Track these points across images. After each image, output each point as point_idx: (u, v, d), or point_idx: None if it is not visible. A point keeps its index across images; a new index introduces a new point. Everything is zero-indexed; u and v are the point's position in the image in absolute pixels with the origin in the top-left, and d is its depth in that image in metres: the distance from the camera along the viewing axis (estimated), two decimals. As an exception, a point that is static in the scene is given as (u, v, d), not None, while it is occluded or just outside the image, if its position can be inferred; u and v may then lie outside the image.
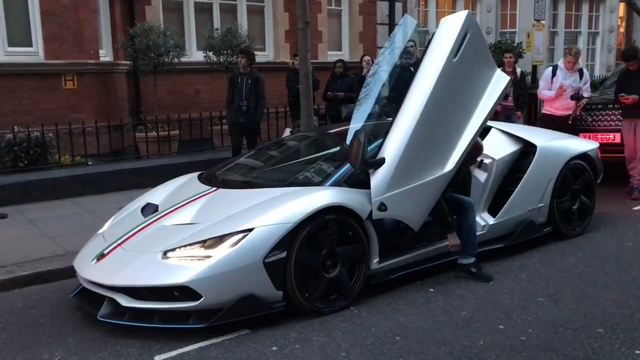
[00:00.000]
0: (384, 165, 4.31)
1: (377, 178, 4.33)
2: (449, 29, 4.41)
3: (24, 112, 8.52)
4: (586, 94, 7.91)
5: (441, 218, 4.72)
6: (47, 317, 4.29)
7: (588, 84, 8.09)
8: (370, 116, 4.94)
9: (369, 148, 4.46)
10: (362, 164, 4.30)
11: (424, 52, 4.51)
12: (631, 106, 7.28)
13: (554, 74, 7.97)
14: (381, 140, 4.48)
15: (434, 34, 4.55)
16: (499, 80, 4.65)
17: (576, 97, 7.77)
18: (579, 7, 17.13)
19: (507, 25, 15.61)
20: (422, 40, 14.35)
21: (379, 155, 4.37)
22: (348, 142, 4.57)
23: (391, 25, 13.03)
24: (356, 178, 4.54)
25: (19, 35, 8.65)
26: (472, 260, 4.80)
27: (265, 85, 8.26)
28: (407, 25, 5.20)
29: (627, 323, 3.94)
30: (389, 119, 4.67)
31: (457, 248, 4.76)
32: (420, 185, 4.40)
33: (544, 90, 8.08)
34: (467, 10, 4.52)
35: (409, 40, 10.29)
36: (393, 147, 4.34)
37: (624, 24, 18.59)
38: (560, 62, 8.02)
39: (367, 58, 10.03)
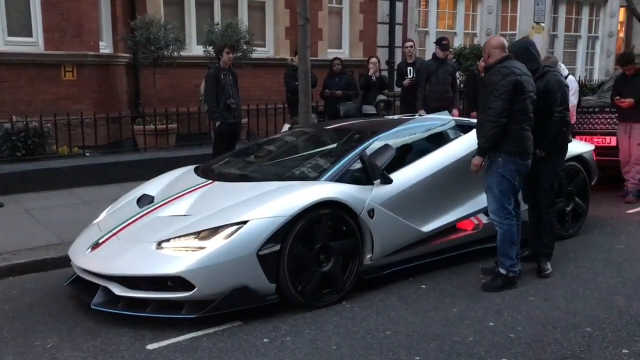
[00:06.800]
0: (390, 184, 4.61)
1: (383, 188, 4.57)
2: None
3: (22, 102, 8.54)
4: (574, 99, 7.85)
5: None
6: (42, 305, 4.32)
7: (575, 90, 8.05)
8: (405, 138, 5.25)
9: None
10: (379, 171, 4.56)
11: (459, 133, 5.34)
12: (626, 110, 7.34)
13: None
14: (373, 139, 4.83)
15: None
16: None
17: None
18: (580, 11, 17.16)
19: (507, 27, 15.63)
20: (422, 40, 14.40)
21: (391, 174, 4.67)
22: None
23: (392, 24, 13.04)
24: (352, 174, 4.62)
25: (19, 25, 8.67)
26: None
27: (263, 81, 8.17)
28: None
29: (615, 323, 3.98)
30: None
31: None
32: (403, 224, 4.68)
33: None
34: None
35: (408, 40, 10.33)
36: (404, 177, 4.76)
37: (623, 28, 18.62)
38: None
39: (374, 60, 10.01)
